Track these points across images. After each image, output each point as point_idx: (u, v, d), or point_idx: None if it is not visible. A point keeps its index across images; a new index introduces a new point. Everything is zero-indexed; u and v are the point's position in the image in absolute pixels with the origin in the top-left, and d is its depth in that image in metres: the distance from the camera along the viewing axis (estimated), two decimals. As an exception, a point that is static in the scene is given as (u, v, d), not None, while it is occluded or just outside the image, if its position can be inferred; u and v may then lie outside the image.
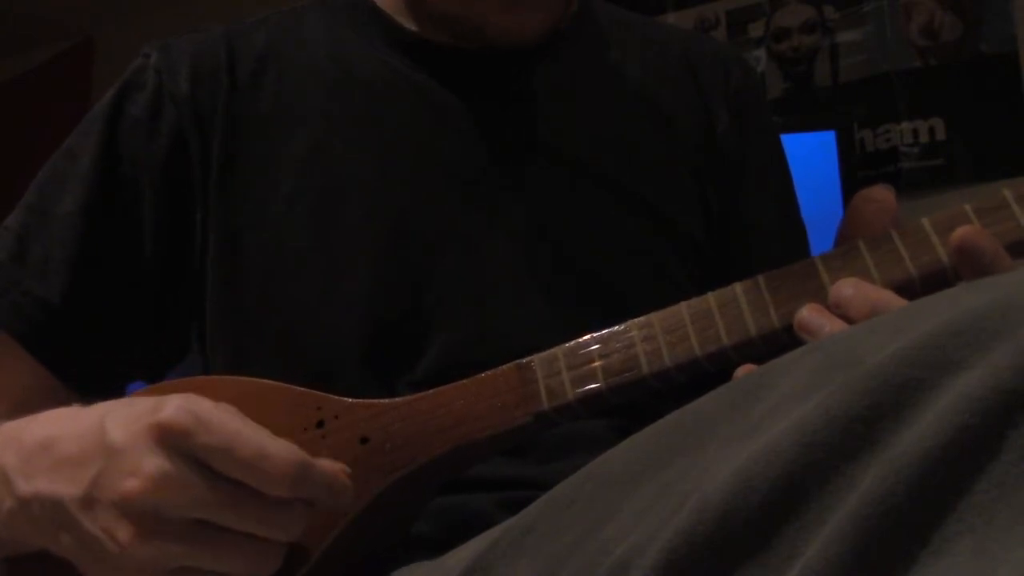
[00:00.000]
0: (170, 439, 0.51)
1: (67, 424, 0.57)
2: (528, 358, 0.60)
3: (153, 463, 0.51)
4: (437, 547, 0.60)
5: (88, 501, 0.53)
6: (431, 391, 0.61)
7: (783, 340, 0.56)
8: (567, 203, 0.76)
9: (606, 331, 0.59)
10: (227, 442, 0.51)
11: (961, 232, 0.52)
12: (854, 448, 0.35)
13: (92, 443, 0.54)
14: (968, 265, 0.52)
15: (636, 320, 0.59)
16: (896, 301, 0.52)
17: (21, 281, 0.74)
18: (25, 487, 0.56)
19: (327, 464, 0.54)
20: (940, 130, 1.99)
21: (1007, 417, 0.33)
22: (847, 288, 0.54)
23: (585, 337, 0.59)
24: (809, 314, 0.54)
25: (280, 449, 0.52)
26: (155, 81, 0.78)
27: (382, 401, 0.61)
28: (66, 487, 0.54)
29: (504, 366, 0.60)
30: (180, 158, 0.76)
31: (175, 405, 0.52)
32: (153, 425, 0.51)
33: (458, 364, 0.64)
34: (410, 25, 0.80)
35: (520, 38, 0.78)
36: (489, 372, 0.60)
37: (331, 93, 0.78)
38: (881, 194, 0.60)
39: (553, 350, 0.60)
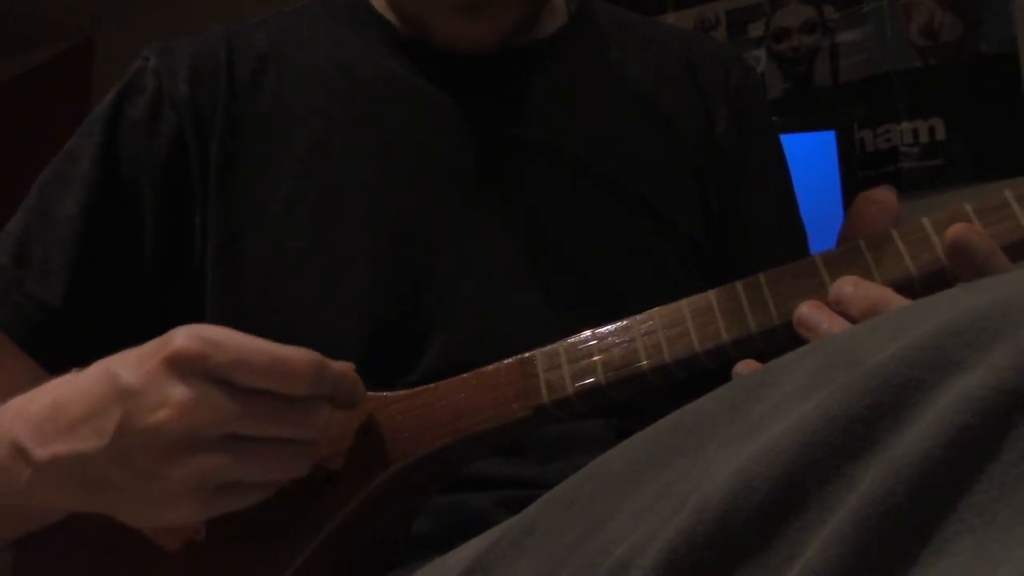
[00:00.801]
0: (187, 366, 0.52)
1: (69, 386, 0.58)
2: (530, 352, 0.60)
3: (178, 391, 0.52)
4: (437, 546, 0.60)
5: (118, 448, 0.53)
6: (432, 384, 0.61)
7: (783, 337, 0.56)
8: (567, 203, 0.76)
9: (607, 326, 0.59)
10: (242, 356, 0.53)
11: (955, 230, 0.52)
12: (854, 448, 0.35)
13: (104, 394, 0.55)
14: (962, 263, 0.52)
15: (637, 316, 0.59)
16: (896, 299, 0.52)
17: (22, 283, 0.74)
18: (42, 452, 0.56)
19: (338, 363, 0.57)
20: (940, 130, 1.99)
21: (1007, 417, 0.33)
22: (847, 286, 0.54)
23: (586, 332, 0.60)
24: (808, 310, 0.54)
25: (293, 352, 0.54)
26: (154, 83, 0.78)
27: (383, 394, 0.62)
28: (88, 442, 0.54)
29: (506, 360, 0.60)
30: (180, 159, 0.76)
31: (184, 334, 0.53)
32: (167, 357, 0.53)
33: (458, 364, 0.64)
34: (401, 27, 0.80)
35: (471, 48, 0.77)
36: (491, 366, 0.60)
37: (331, 94, 0.78)
38: (883, 195, 0.60)
39: (555, 345, 0.60)
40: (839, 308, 0.54)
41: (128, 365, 0.55)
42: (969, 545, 0.32)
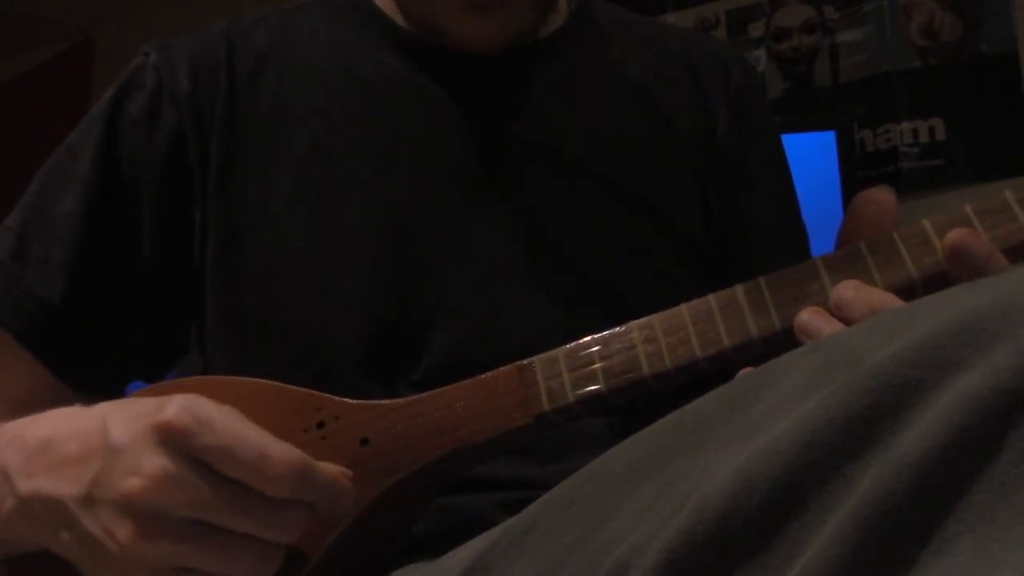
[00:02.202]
0: (172, 439, 0.51)
1: (68, 424, 0.57)
2: (529, 359, 0.60)
3: (154, 462, 0.51)
4: (437, 547, 0.60)
5: (89, 500, 0.53)
6: (431, 392, 0.61)
7: (784, 342, 0.55)
8: (567, 203, 0.76)
9: (607, 332, 0.59)
10: (228, 443, 0.51)
11: (954, 235, 0.52)
12: (854, 448, 0.35)
13: (93, 442, 0.54)
14: (961, 267, 0.52)
15: (637, 321, 0.59)
16: (897, 304, 0.52)
17: (21, 280, 0.74)
18: (26, 486, 0.56)
19: (328, 467, 0.55)
20: (940, 130, 1.99)
21: (1007, 417, 0.33)
22: (848, 290, 0.53)
23: (586, 339, 0.59)
24: (809, 317, 0.54)
25: (281, 451, 0.52)
26: (154, 80, 0.78)
27: (383, 402, 0.61)
28: (66, 486, 0.54)
29: (505, 367, 0.60)
30: (179, 157, 0.76)
31: (177, 405, 0.52)
32: (155, 425, 0.51)
33: (458, 364, 0.64)
34: (409, 26, 0.80)
35: (482, 46, 0.76)
36: (490, 373, 0.60)
37: (331, 93, 0.78)
38: (881, 195, 0.59)
39: (554, 351, 0.60)
40: (840, 313, 0.54)
41: (121, 421, 0.54)
42: (969, 545, 0.32)
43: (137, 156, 0.76)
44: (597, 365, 0.58)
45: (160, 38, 0.81)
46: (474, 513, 0.65)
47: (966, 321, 0.35)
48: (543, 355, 0.60)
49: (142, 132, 0.77)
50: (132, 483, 0.51)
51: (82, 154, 0.77)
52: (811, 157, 1.88)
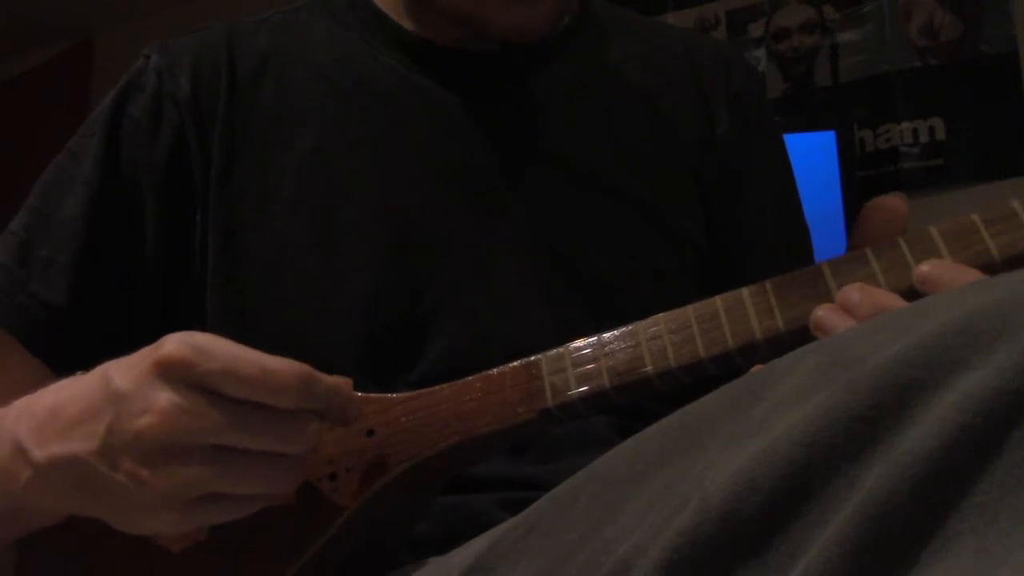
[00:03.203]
0: (174, 372, 0.52)
1: (71, 389, 0.58)
2: (536, 356, 0.60)
3: (162, 397, 0.52)
4: (438, 547, 0.60)
5: (106, 449, 0.53)
6: (437, 386, 0.61)
7: (788, 344, 0.55)
8: (568, 205, 0.76)
9: (613, 331, 0.59)
10: (230, 365, 0.52)
11: (920, 272, 0.53)
12: (856, 448, 0.35)
13: (98, 396, 0.55)
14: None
15: (642, 321, 0.59)
16: (902, 306, 0.52)
17: (25, 283, 0.74)
18: (40, 453, 0.56)
19: (331, 376, 0.55)
20: (940, 130, 1.99)
21: (1010, 418, 0.33)
22: (854, 292, 0.53)
23: (592, 337, 0.60)
24: (825, 313, 0.54)
25: (282, 362, 0.53)
26: (156, 82, 0.78)
27: (389, 395, 0.62)
28: (81, 443, 0.54)
29: (511, 363, 0.60)
30: (181, 158, 0.76)
31: (174, 340, 0.53)
32: (155, 362, 0.52)
33: (458, 366, 0.64)
34: (410, 26, 0.80)
35: (524, 36, 0.76)
36: (496, 369, 0.60)
37: (333, 94, 0.78)
38: (892, 203, 0.60)
39: (560, 348, 0.60)
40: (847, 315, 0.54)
41: (121, 369, 0.55)
42: (971, 546, 0.32)
43: (139, 158, 0.76)
44: (602, 363, 0.58)
45: (160, 38, 0.81)
46: (475, 512, 0.66)
47: (968, 321, 0.35)
48: (549, 352, 0.60)
49: (144, 134, 0.77)
50: (145, 421, 0.52)
51: (84, 157, 0.77)
52: (811, 157, 1.88)
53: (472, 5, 0.75)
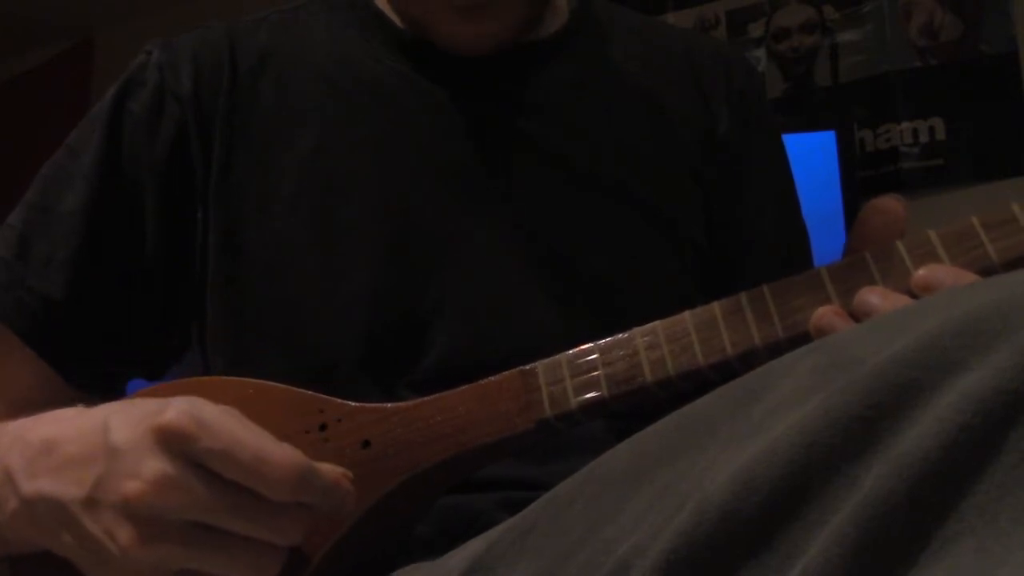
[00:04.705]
0: (172, 442, 0.51)
1: (70, 425, 0.57)
2: (532, 365, 0.60)
3: (154, 466, 0.51)
4: (437, 547, 0.60)
5: (90, 502, 0.53)
6: (434, 396, 0.61)
7: (787, 351, 0.55)
8: (568, 205, 0.76)
9: (610, 339, 0.59)
10: (228, 446, 0.51)
11: (918, 277, 0.52)
12: (855, 448, 0.35)
13: (95, 444, 0.54)
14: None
15: (640, 328, 0.59)
16: None
17: (24, 278, 0.74)
18: (29, 487, 0.56)
19: (329, 469, 0.54)
20: (940, 130, 1.99)
21: (1008, 418, 0.33)
22: (874, 296, 0.53)
23: (589, 345, 0.59)
24: (828, 317, 0.54)
25: (281, 453, 0.52)
26: (157, 78, 0.78)
27: (385, 405, 0.61)
28: (68, 488, 0.54)
29: (507, 372, 0.60)
30: (181, 156, 0.76)
31: (178, 408, 0.52)
32: (155, 428, 0.51)
33: (459, 365, 0.64)
34: (404, 26, 0.80)
35: (473, 51, 0.76)
36: (493, 378, 0.60)
37: (332, 93, 0.78)
38: (890, 205, 0.59)
39: (557, 357, 0.60)
40: (863, 319, 0.53)
41: (122, 422, 0.54)
42: (970, 546, 0.32)
43: (139, 154, 0.76)
44: (600, 372, 0.58)
45: (161, 37, 0.81)
46: (474, 513, 0.65)
47: (967, 321, 0.35)
48: (546, 360, 0.60)
49: (144, 130, 0.77)
50: (132, 486, 0.51)
51: (84, 152, 0.77)
52: (811, 157, 1.88)
53: (422, 15, 0.75)
